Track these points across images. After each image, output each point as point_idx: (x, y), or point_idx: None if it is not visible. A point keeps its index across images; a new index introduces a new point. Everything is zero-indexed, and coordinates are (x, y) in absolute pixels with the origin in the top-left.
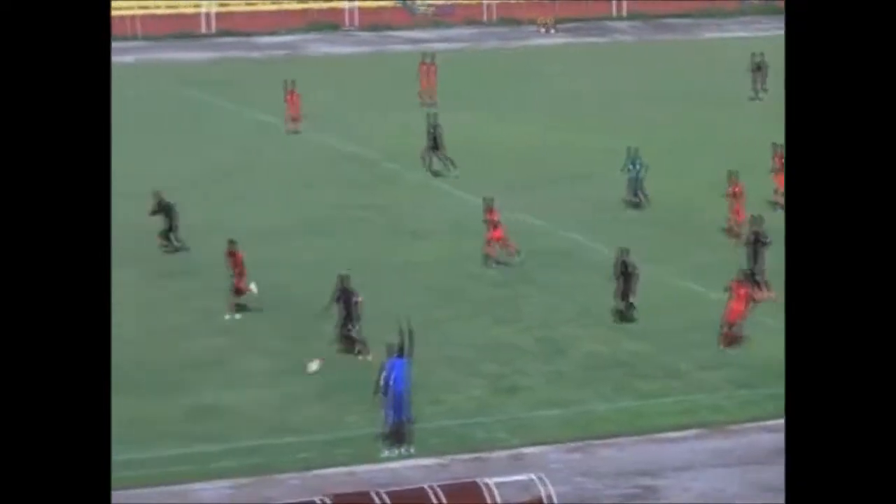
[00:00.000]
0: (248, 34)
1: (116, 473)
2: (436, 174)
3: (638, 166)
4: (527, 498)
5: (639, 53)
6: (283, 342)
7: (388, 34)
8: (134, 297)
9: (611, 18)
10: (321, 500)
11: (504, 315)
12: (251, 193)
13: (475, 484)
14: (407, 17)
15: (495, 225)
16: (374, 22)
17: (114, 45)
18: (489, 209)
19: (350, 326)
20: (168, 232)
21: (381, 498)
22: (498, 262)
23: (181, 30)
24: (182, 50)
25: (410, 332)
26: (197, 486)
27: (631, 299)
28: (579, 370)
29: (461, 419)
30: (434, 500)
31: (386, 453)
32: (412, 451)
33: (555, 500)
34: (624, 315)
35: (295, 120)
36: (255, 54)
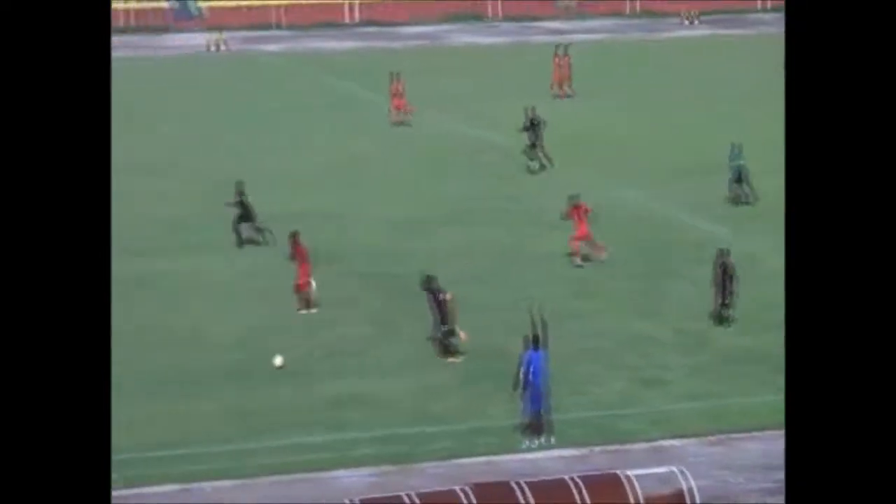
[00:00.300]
0: (391, 24)
1: (259, 461)
2: (533, 172)
3: (741, 162)
4: (667, 490)
5: (781, 45)
6: (426, 331)
7: (529, 25)
8: (276, 284)
9: (755, 11)
10: (462, 489)
11: (642, 307)
12: (391, 182)
13: (616, 476)
14: (549, 8)
15: (582, 220)
16: (517, 13)
17: (257, 34)
18: (575, 206)
19: (441, 328)
20: (239, 222)
21: (521, 488)
22: (584, 260)
23: (325, 20)
24: (325, 39)
25: (544, 323)
26: (339, 472)
27: (729, 301)
28: (719, 363)
29: (601, 411)
30: (575, 491)
31: (526, 444)
32: (552, 441)
33: (696, 492)
34: (721, 318)
35: (398, 108)
36: (397, 44)
